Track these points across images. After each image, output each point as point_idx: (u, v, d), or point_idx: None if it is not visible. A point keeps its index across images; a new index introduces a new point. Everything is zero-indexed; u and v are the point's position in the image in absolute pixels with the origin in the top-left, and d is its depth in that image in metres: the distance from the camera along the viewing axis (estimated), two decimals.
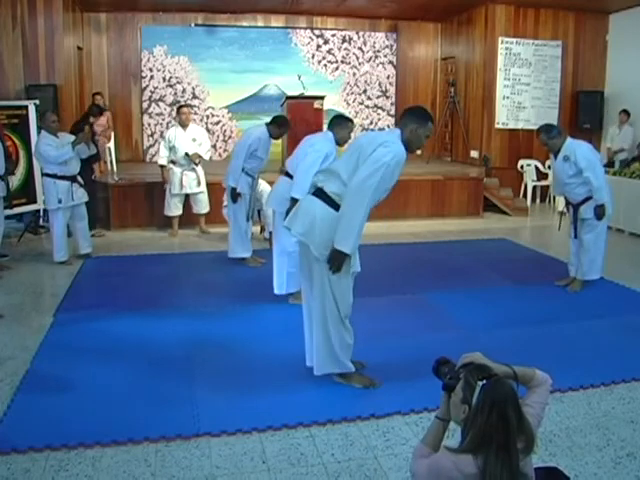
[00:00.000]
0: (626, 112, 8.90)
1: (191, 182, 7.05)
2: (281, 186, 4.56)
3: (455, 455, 1.61)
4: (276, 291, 4.60)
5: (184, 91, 10.18)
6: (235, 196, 5.51)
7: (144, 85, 10.05)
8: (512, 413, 1.56)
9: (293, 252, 4.17)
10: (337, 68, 10.72)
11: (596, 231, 4.92)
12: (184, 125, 6.97)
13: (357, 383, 3.29)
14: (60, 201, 5.65)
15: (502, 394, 1.58)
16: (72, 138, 5.73)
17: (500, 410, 1.55)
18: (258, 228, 6.91)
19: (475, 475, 1.55)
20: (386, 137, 3.01)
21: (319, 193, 3.03)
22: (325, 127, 5.14)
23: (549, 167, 9.44)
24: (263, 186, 6.29)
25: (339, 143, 4.33)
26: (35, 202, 7.04)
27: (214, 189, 7.11)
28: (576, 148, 4.76)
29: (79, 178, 5.85)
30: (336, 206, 2.95)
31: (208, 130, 9.74)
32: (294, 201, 3.90)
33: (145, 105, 10.09)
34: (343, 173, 2.97)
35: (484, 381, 1.61)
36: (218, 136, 10.36)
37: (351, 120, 4.52)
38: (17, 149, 6.84)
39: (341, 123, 4.40)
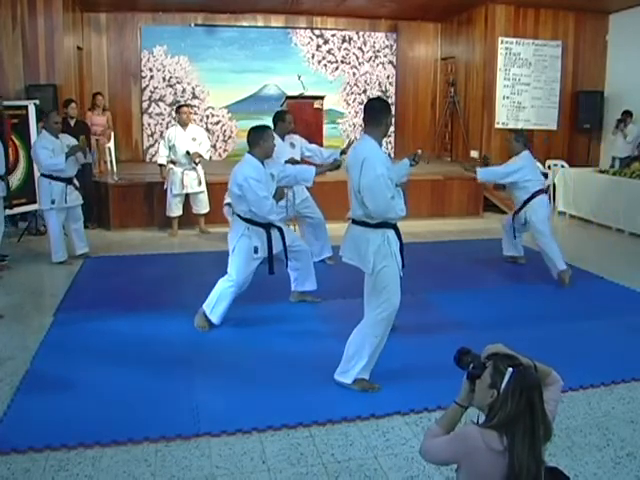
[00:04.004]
0: (629, 113, 8.85)
1: (192, 182, 7.05)
2: None
3: (481, 428, 1.68)
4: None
5: (184, 91, 10.18)
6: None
7: (144, 85, 10.05)
8: (538, 400, 1.66)
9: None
10: (337, 68, 10.72)
11: (537, 232, 5.50)
12: (184, 125, 6.97)
13: (357, 386, 3.28)
14: (53, 202, 5.65)
15: (530, 381, 1.67)
16: (72, 140, 5.74)
17: (529, 396, 1.64)
18: None
19: (500, 453, 1.61)
20: (361, 154, 3.21)
21: (354, 222, 3.37)
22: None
23: (549, 167, 9.47)
24: None
25: (267, 156, 4.13)
26: (35, 202, 7.04)
27: (214, 189, 7.11)
28: (516, 157, 5.56)
29: (75, 181, 5.85)
30: (365, 225, 3.28)
31: (208, 130, 9.75)
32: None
33: (145, 105, 10.10)
34: (354, 199, 3.28)
35: (511, 369, 1.67)
36: (218, 136, 10.36)
37: (265, 127, 4.25)
38: (17, 149, 6.84)
39: (260, 139, 4.07)
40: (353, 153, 3.38)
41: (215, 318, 4.15)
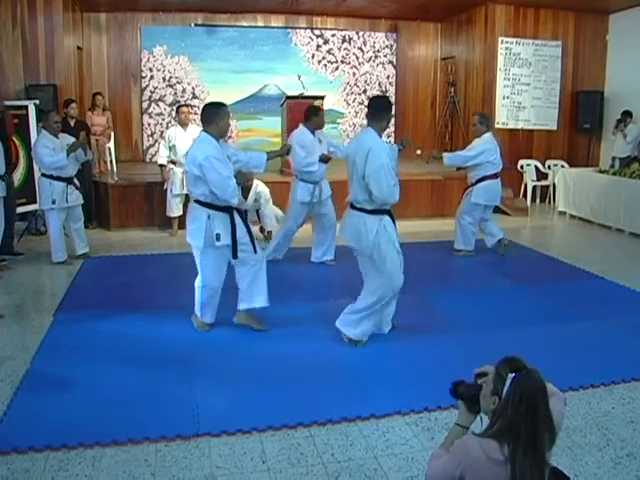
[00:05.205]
0: (629, 113, 8.83)
1: None
2: None
3: (480, 438, 1.64)
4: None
5: (184, 91, 10.19)
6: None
7: (144, 85, 10.05)
8: (541, 405, 1.60)
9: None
10: (337, 68, 10.73)
11: (465, 212, 6.05)
12: (184, 124, 6.97)
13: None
14: (54, 202, 5.65)
15: (532, 386, 1.61)
16: (71, 140, 5.73)
17: (529, 401, 1.58)
18: (257, 227, 6.91)
19: (501, 463, 1.57)
20: (367, 144, 3.56)
21: (352, 207, 3.75)
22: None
23: (549, 167, 9.48)
24: (261, 187, 6.31)
25: (222, 136, 3.88)
26: (35, 202, 7.04)
27: None
28: (479, 139, 5.89)
29: (75, 180, 5.85)
30: (363, 210, 3.66)
31: None
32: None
33: (145, 105, 10.10)
34: (357, 185, 3.63)
35: (514, 374, 1.64)
36: None
37: (221, 104, 3.89)
38: (17, 149, 6.84)
39: (216, 117, 3.75)
40: (357, 143, 3.69)
41: (208, 319, 4.10)
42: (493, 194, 5.99)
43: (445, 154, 6.00)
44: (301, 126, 5.45)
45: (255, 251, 3.94)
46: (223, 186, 3.66)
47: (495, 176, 5.94)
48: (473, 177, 5.96)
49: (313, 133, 5.39)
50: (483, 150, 5.80)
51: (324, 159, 5.31)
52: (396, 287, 3.72)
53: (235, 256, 3.85)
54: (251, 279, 3.99)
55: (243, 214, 4.00)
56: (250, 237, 3.93)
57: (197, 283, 4.03)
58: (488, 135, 5.92)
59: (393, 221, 3.73)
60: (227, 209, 3.83)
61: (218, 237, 3.79)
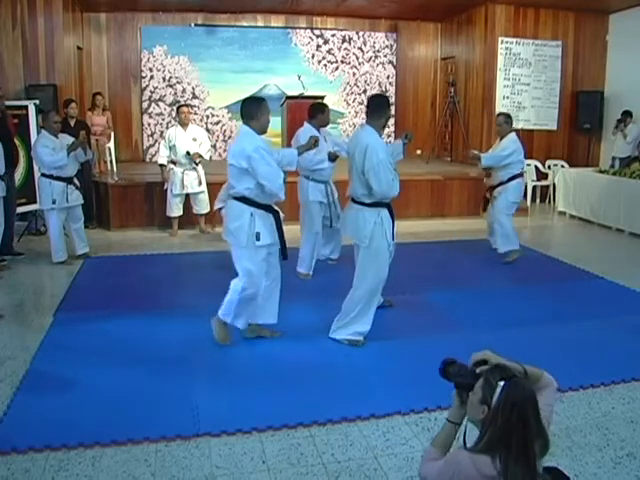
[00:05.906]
0: (629, 113, 8.83)
1: (192, 182, 7.06)
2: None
3: (472, 454, 1.60)
4: None
5: (184, 91, 10.18)
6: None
7: (144, 85, 10.05)
8: (531, 414, 1.57)
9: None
10: (337, 68, 10.72)
11: (500, 212, 5.96)
12: (184, 124, 6.98)
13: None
14: (54, 202, 5.65)
15: (523, 395, 1.58)
16: (71, 140, 5.72)
17: (520, 411, 1.55)
18: None
19: (494, 477, 1.55)
20: (364, 141, 3.68)
21: (353, 200, 3.88)
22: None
23: (549, 167, 9.47)
24: None
25: (263, 132, 3.71)
26: (35, 202, 7.04)
27: (214, 189, 7.09)
28: (507, 139, 5.92)
29: (75, 180, 5.85)
30: (362, 204, 3.78)
31: (208, 130, 9.74)
32: None
33: (145, 105, 10.10)
34: (356, 180, 3.78)
35: (503, 382, 1.60)
36: (218, 136, 10.36)
37: (261, 99, 3.80)
38: (17, 149, 6.84)
39: (257, 112, 3.65)
40: (355, 140, 3.82)
41: (241, 324, 3.84)
42: (522, 191, 6.15)
43: (483, 155, 5.95)
44: (306, 124, 5.33)
45: (285, 257, 3.84)
46: (273, 177, 3.54)
47: (521, 175, 6.05)
48: (503, 176, 5.94)
49: (319, 131, 5.26)
50: (515, 149, 5.86)
51: (332, 157, 5.19)
52: (383, 277, 3.89)
53: (285, 257, 3.79)
54: (265, 296, 3.88)
55: (280, 218, 3.85)
56: (282, 243, 3.79)
57: (235, 286, 3.75)
58: (513, 134, 5.96)
59: (392, 215, 3.84)
60: (269, 208, 3.72)
61: (258, 236, 3.64)
